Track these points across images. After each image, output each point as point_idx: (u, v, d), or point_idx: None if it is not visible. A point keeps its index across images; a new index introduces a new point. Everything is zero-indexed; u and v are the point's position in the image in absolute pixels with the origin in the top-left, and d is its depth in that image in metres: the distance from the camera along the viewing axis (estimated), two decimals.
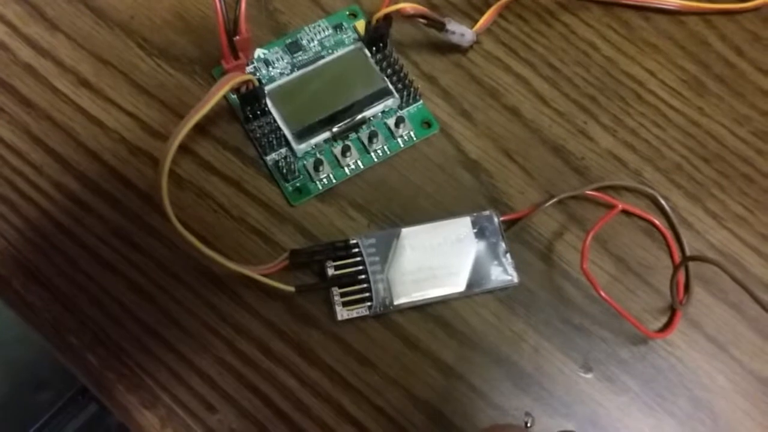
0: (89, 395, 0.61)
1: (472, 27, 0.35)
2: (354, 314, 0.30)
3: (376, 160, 0.33)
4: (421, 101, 0.34)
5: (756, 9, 0.38)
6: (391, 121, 0.33)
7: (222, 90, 0.29)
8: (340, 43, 0.35)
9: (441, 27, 0.33)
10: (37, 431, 0.60)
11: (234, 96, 0.32)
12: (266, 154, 0.33)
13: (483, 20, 0.35)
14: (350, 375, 0.30)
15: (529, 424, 0.29)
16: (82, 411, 0.62)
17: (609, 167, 0.34)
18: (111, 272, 0.31)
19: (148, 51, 0.35)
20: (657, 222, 0.33)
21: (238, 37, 0.31)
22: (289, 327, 0.30)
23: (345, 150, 0.32)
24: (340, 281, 0.30)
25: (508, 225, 0.32)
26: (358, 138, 0.33)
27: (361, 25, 0.35)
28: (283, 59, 0.34)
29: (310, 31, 0.35)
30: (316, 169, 0.32)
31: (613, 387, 0.30)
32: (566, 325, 0.31)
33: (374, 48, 0.34)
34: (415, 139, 0.33)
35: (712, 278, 0.32)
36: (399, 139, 0.33)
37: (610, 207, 0.32)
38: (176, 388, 0.29)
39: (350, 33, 0.35)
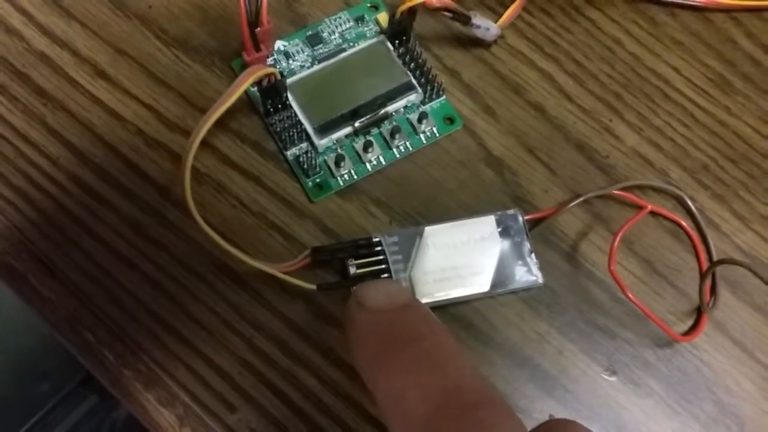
0: (91, 387, 0.61)
1: (496, 21, 0.34)
2: None
3: (398, 156, 0.32)
4: (444, 96, 0.34)
5: None
6: (413, 117, 0.33)
7: (246, 83, 0.28)
8: (361, 36, 0.34)
9: (466, 21, 0.33)
10: (38, 422, 0.60)
11: (254, 89, 0.32)
12: (287, 149, 0.32)
13: (507, 14, 0.34)
14: None
15: None
16: (83, 402, 0.62)
17: (634, 166, 0.33)
18: (128, 267, 0.30)
19: (166, 42, 0.34)
20: (684, 223, 0.32)
21: (259, 29, 0.30)
22: (309, 325, 0.30)
23: (367, 145, 0.32)
24: (363, 280, 0.29)
25: (533, 224, 0.31)
26: (380, 133, 0.33)
27: (382, 17, 0.35)
28: (303, 52, 0.34)
29: (330, 23, 0.34)
30: (338, 164, 0.32)
31: (638, 390, 0.30)
32: (590, 327, 0.30)
33: (397, 41, 0.33)
34: (437, 135, 0.33)
35: (738, 281, 0.31)
36: (421, 135, 0.33)
37: (637, 207, 0.32)
38: (194, 386, 0.29)
39: (372, 26, 0.35)
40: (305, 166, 0.31)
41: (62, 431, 0.61)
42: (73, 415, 0.61)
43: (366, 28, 0.34)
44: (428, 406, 0.18)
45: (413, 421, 0.18)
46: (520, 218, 0.31)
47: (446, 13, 0.32)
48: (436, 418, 0.18)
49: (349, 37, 0.34)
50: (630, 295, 0.29)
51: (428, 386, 0.19)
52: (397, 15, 0.32)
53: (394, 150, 0.32)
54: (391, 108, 0.33)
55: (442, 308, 0.30)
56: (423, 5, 0.31)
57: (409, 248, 0.30)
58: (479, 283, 0.30)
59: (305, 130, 0.32)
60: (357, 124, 0.32)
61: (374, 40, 0.34)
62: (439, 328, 0.21)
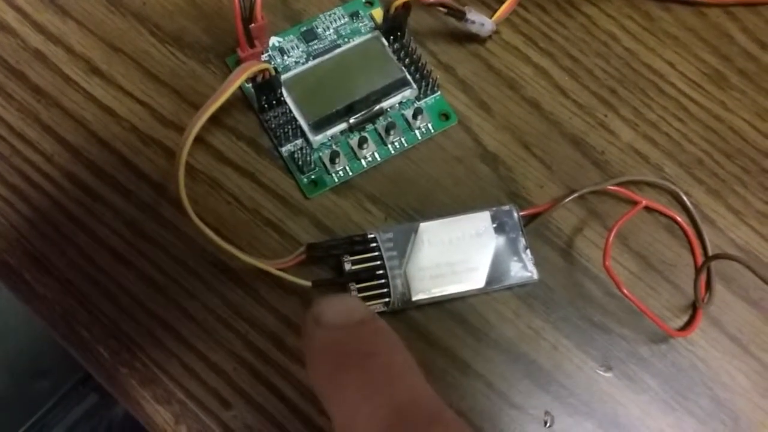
0: (90, 385, 0.61)
1: (491, 16, 0.34)
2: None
3: (393, 152, 0.32)
4: (439, 92, 0.33)
5: None
6: (408, 113, 0.33)
7: (239, 79, 0.28)
8: (356, 32, 0.34)
9: (461, 16, 0.33)
10: (37, 421, 0.60)
11: (248, 85, 0.32)
12: (281, 145, 0.32)
13: (502, 10, 0.34)
14: None
15: (548, 424, 0.29)
16: (82, 401, 0.62)
17: (629, 161, 0.33)
18: (123, 264, 0.30)
19: (160, 38, 0.34)
20: (679, 218, 0.32)
21: (254, 25, 0.30)
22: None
23: (362, 142, 0.32)
24: (358, 276, 0.29)
25: (528, 220, 0.31)
26: (375, 129, 0.33)
27: (377, 13, 0.34)
28: (298, 48, 0.34)
29: (325, 19, 0.34)
30: (332, 161, 0.31)
31: (633, 385, 0.30)
32: (586, 323, 0.30)
33: (392, 37, 0.33)
34: (432, 131, 0.33)
35: (733, 276, 0.32)
36: (416, 131, 0.33)
37: (632, 203, 0.32)
38: (190, 383, 0.29)
39: (367, 21, 0.34)
40: (300, 163, 0.31)
41: (61, 430, 0.61)
42: (72, 414, 0.61)
43: (361, 24, 0.34)
44: (380, 426, 0.18)
45: None
46: (515, 214, 0.31)
47: (441, 9, 0.32)
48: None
49: (343, 33, 0.34)
50: (625, 291, 0.29)
51: (380, 404, 0.18)
52: (392, 10, 0.32)
53: (389, 146, 0.32)
54: (385, 104, 0.33)
55: (438, 304, 0.30)
56: (417, 1, 0.31)
57: (404, 244, 0.30)
58: (474, 279, 0.30)
59: (300, 127, 0.32)
60: (352, 120, 0.32)
61: (369, 35, 0.34)
62: (394, 343, 0.20)
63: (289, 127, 0.31)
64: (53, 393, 0.61)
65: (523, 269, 0.30)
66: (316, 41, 0.34)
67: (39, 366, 0.61)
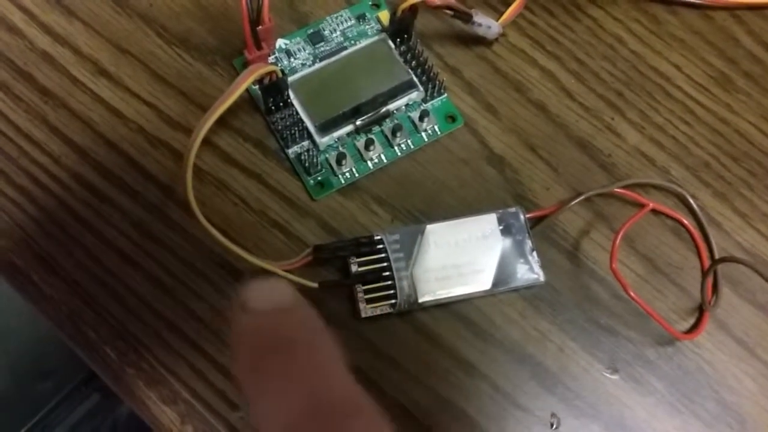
0: (92, 385, 0.61)
1: (497, 19, 0.34)
2: (378, 311, 0.29)
3: (399, 154, 0.32)
4: (445, 95, 0.34)
5: None
6: (415, 115, 0.33)
7: (247, 81, 0.28)
8: (363, 34, 0.34)
9: (468, 18, 0.33)
10: (39, 421, 0.60)
11: (255, 87, 0.32)
12: (288, 147, 0.32)
13: (509, 12, 0.34)
14: (373, 372, 0.29)
15: (554, 426, 0.29)
16: (85, 401, 0.61)
17: (636, 164, 0.33)
18: (130, 265, 0.30)
19: (167, 40, 0.34)
20: (685, 221, 0.32)
21: (261, 27, 0.30)
22: None
23: (368, 144, 0.32)
24: (365, 278, 0.29)
25: (534, 222, 0.31)
26: (382, 131, 0.33)
27: (384, 15, 0.35)
28: (304, 50, 0.34)
29: (332, 21, 0.34)
30: (339, 162, 0.32)
31: (640, 388, 0.30)
32: (592, 325, 0.30)
33: (398, 39, 0.33)
34: (439, 133, 0.33)
35: (739, 279, 0.31)
36: (423, 133, 0.33)
37: (638, 205, 0.32)
38: (197, 384, 0.29)
39: (373, 24, 0.35)
40: (307, 164, 0.31)
41: (63, 430, 0.61)
42: (75, 414, 0.61)
43: (367, 26, 0.34)
44: (295, 416, 0.18)
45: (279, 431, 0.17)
46: (522, 216, 0.31)
47: (448, 11, 0.32)
48: (303, 428, 0.17)
49: (350, 35, 0.34)
50: (632, 294, 0.29)
51: (297, 395, 0.18)
52: (399, 13, 0.32)
53: (396, 148, 0.32)
54: (392, 106, 0.33)
55: (444, 306, 0.30)
56: (424, 3, 0.31)
57: (411, 246, 0.30)
58: (481, 281, 0.30)
59: (307, 128, 0.32)
60: (358, 122, 0.32)
61: (376, 38, 0.34)
62: (319, 333, 0.20)
63: (296, 128, 0.32)
64: (56, 393, 0.61)
65: (529, 271, 0.30)
66: (322, 43, 0.34)
67: (42, 366, 0.60)
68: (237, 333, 0.19)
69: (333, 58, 0.33)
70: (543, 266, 0.30)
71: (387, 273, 0.29)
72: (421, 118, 0.32)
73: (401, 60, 0.33)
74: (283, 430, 0.17)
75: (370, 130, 0.33)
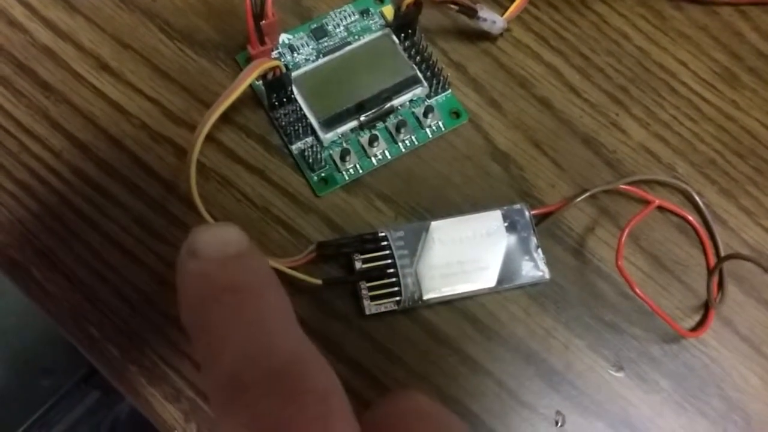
0: (92, 383, 0.61)
1: (502, 14, 0.34)
2: (382, 309, 0.29)
3: (403, 150, 0.32)
4: (449, 90, 0.33)
5: None
6: (419, 111, 0.32)
7: (250, 77, 0.28)
8: (366, 29, 0.34)
9: (473, 14, 0.32)
10: (39, 418, 0.60)
11: (259, 83, 0.31)
12: (291, 143, 0.32)
13: (513, 7, 0.34)
14: (377, 370, 0.29)
15: (559, 423, 0.29)
16: (85, 398, 0.61)
17: (641, 161, 0.33)
18: (132, 261, 0.30)
19: (170, 35, 0.34)
20: (691, 218, 0.32)
21: (264, 22, 0.30)
22: (315, 320, 0.29)
23: (372, 140, 0.32)
24: (369, 275, 0.29)
25: (539, 219, 0.31)
26: (386, 127, 0.32)
27: (388, 10, 0.34)
28: (308, 45, 0.33)
29: (336, 16, 0.34)
30: (343, 159, 0.31)
31: (645, 386, 0.30)
32: (597, 323, 0.30)
33: (402, 35, 0.33)
34: (443, 129, 0.33)
35: (745, 276, 0.31)
36: (427, 129, 0.33)
37: (644, 202, 0.32)
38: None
39: (377, 19, 0.34)
40: (310, 161, 0.31)
41: (64, 428, 0.61)
42: (75, 412, 0.61)
43: (371, 21, 0.34)
44: (239, 364, 0.17)
45: (221, 380, 0.17)
46: (527, 213, 0.31)
47: (452, 6, 0.32)
48: (247, 375, 0.17)
49: (354, 30, 0.34)
50: (637, 291, 0.29)
51: (237, 345, 0.17)
52: (403, 8, 0.32)
53: (400, 144, 0.32)
54: (396, 102, 0.32)
55: (449, 303, 0.30)
56: None
57: (415, 243, 0.30)
58: (485, 278, 0.30)
59: (310, 124, 0.32)
60: (362, 118, 0.32)
61: (379, 33, 0.34)
62: (268, 283, 0.19)
63: (300, 124, 0.31)
64: (56, 390, 0.61)
65: (534, 268, 0.30)
66: (326, 38, 0.34)
67: (42, 364, 0.60)
68: (184, 279, 0.19)
69: (337, 54, 0.33)
70: (548, 263, 0.30)
71: (391, 270, 0.29)
72: (425, 114, 0.32)
73: (405, 55, 0.33)
74: (226, 378, 0.17)
75: (374, 126, 0.32)
